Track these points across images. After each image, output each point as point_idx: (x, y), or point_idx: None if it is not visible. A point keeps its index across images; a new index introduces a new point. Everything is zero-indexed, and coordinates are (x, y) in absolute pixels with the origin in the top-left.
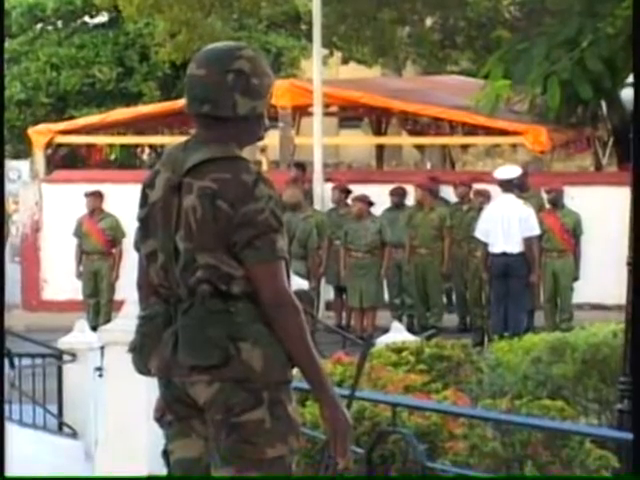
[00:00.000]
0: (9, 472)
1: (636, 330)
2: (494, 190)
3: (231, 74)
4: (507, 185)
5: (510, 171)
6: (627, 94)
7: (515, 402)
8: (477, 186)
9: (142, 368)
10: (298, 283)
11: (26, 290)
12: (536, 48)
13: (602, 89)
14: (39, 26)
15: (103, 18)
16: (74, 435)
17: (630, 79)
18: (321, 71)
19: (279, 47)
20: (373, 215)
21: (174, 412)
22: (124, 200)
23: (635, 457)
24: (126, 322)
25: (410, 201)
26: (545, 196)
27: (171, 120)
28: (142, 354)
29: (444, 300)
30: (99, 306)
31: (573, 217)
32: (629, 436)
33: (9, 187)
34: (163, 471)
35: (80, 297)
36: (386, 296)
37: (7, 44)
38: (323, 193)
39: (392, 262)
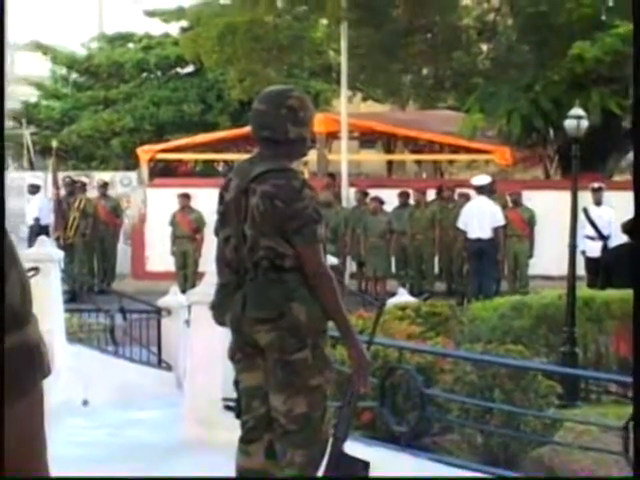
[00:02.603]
0: (116, 397)
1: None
2: (472, 193)
3: (284, 109)
4: (481, 189)
5: (483, 179)
6: (569, 124)
7: (487, 346)
8: (459, 190)
9: (219, 320)
10: (331, 260)
11: (135, 264)
12: (502, 91)
13: (550, 120)
14: (144, 75)
15: (190, 69)
16: (169, 368)
17: (572, 111)
18: (346, 107)
19: (317, 90)
20: (385, 211)
21: (242, 352)
22: (205, 200)
23: (635, 456)
24: (207, 288)
25: (412, 201)
26: (508, 197)
27: (239, 142)
28: (219, 310)
29: (435, 272)
30: (187, 276)
31: (529, 213)
32: (569, 371)
33: (123, 190)
34: (234, 395)
35: (173, 269)
36: (393, 269)
37: (122, 88)
38: (348, 195)
39: (398, 245)
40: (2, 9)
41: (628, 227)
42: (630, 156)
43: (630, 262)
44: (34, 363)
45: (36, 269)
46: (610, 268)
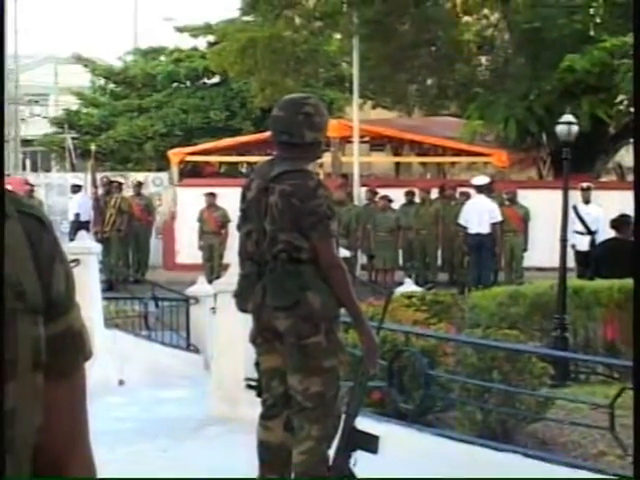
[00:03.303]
0: (149, 377)
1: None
2: (472, 192)
3: (301, 115)
4: (480, 189)
5: (482, 179)
6: (560, 129)
7: (486, 331)
8: (461, 189)
9: (242, 308)
10: (343, 253)
11: (166, 256)
12: (500, 100)
13: (544, 126)
14: (175, 85)
15: (216, 79)
16: (197, 351)
17: (563, 118)
18: (358, 114)
19: (331, 98)
20: (393, 208)
21: (263, 337)
22: (229, 198)
23: (635, 455)
24: (231, 278)
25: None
26: (505, 196)
27: (261, 146)
28: (242, 299)
29: (439, 264)
30: (213, 267)
31: (524, 210)
32: (561, 353)
33: (155, 189)
34: (255, 375)
35: (201, 261)
36: (401, 261)
37: (154, 97)
38: (359, 194)
39: (405, 239)
40: (2, 10)
41: (616, 223)
42: (615, 158)
43: (617, 255)
44: (77, 347)
45: (77, 261)
46: (599, 260)
